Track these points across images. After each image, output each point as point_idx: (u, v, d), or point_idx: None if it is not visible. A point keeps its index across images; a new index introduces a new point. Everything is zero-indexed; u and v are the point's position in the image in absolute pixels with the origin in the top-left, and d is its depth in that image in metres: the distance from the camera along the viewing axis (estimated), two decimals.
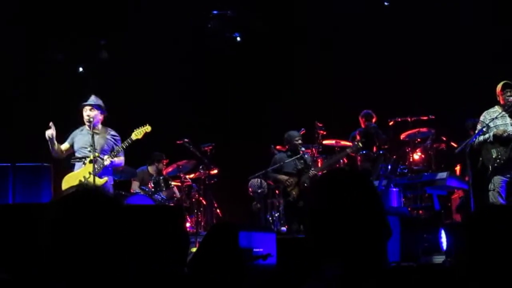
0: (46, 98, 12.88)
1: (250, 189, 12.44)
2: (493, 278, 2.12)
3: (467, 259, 2.17)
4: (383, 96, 13.33)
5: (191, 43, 14.08)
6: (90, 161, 9.21)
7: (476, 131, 9.76)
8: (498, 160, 9.53)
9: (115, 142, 9.63)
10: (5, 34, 12.83)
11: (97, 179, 9.24)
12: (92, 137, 9.22)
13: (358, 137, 12.31)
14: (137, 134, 9.58)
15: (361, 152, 12.10)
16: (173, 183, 12.24)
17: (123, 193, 11.24)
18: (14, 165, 10.15)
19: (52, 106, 12.20)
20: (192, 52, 14.14)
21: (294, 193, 11.28)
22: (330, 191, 2.43)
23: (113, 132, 9.72)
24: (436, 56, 13.30)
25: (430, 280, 6.18)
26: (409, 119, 12.53)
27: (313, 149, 12.48)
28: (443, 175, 10.89)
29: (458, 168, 11.91)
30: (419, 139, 12.54)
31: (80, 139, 9.56)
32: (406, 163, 12.24)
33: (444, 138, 12.58)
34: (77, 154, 9.52)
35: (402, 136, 12.46)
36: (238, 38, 14.85)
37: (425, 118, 12.53)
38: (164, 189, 11.68)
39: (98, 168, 9.24)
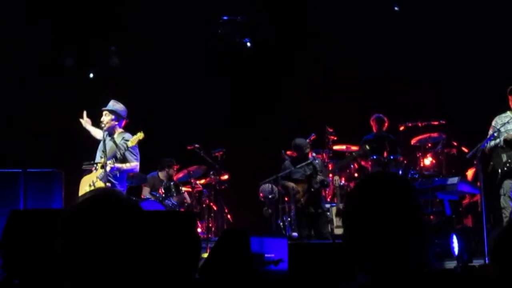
0: (57, 104, 12.90)
1: (261, 194, 12.43)
2: None
3: None
4: (394, 101, 13.31)
5: (201, 48, 14.08)
6: (102, 167, 9.23)
7: (488, 136, 9.74)
8: (508, 165, 9.51)
9: (129, 148, 9.61)
10: (18, 37, 12.89)
11: (101, 184, 9.23)
12: (103, 142, 9.25)
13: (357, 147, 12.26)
14: (132, 142, 9.51)
15: (371, 157, 12.07)
16: (183, 188, 12.24)
17: (134, 198, 11.25)
18: (25, 171, 10.18)
19: (63, 111, 12.24)
20: (202, 58, 14.14)
21: (302, 199, 11.27)
22: (369, 195, 2.39)
23: (127, 137, 9.62)
24: (447, 61, 13.26)
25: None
26: (419, 124, 12.51)
27: (324, 154, 12.48)
28: (454, 180, 10.84)
29: (470, 172, 11.86)
30: (430, 144, 12.51)
31: (100, 142, 9.57)
32: (417, 168, 12.21)
33: (455, 143, 12.56)
34: (97, 159, 9.51)
35: (413, 141, 12.44)
36: (248, 44, 14.85)
37: (435, 123, 12.51)
38: (174, 194, 11.67)
39: (103, 173, 9.24)
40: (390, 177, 2.50)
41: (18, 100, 13.09)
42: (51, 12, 13.04)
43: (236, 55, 14.59)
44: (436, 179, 11.40)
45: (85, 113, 9.65)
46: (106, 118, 9.54)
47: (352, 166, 12.60)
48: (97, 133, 9.68)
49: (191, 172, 12.44)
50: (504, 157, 9.59)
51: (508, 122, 9.62)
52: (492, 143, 9.66)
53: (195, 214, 10.45)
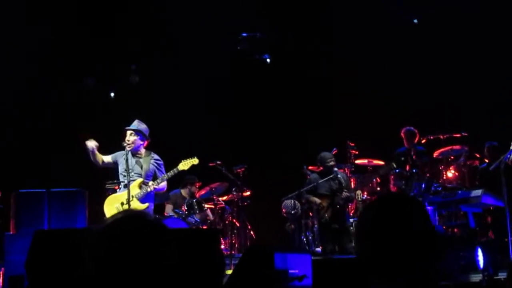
0: (79, 123, 12.99)
1: (283, 210, 12.42)
2: None
3: None
4: (416, 114, 13.27)
5: (222, 63, 14.13)
6: (125, 186, 9.27)
7: (511, 148, 9.70)
8: None
9: (158, 167, 9.71)
10: (35, 57, 13.01)
11: (138, 204, 9.30)
12: (127, 161, 9.29)
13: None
14: (184, 165, 9.71)
15: (394, 171, 12.02)
16: (206, 205, 12.26)
17: (157, 216, 11.29)
18: (49, 191, 10.22)
19: (85, 131, 12.32)
20: (223, 75, 14.20)
21: (327, 215, 11.24)
22: (382, 215, 2.45)
23: (156, 157, 9.79)
24: (468, 73, 13.22)
25: None
26: (441, 137, 12.48)
27: (346, 168, 12.45)
28: (477, 192, 10.78)
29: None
30: (452, 157, 12.47)
31: (121, 161, 9.62)
32: (440, 181, 12.15)
33: (478, 155, 12.51)
34: (121, 178, 9.56)
35: (435, 154, 12.40)
36: (268, 60, 14.88)
37: (457, 135, 12.47)
38: (197, 211, 11.68)
39: (141, 193, 9.32)
40: (400, 200, 2.55)
41: (41, 119, 13.19)
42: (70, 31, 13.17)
43: (256, 70, 14.62)
44: (459, 191, 11.34)
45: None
46: (131, 138, 9.61)
47: (374, 180, 12.55)
48: (100, 158, 9.67)
49: (213, 189, 12.45)
50: None
51: None
52: None
53: (218, 231, 10.46)
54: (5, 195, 10.74)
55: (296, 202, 12.13)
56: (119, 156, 9.68)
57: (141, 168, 9.49)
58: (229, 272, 8.26)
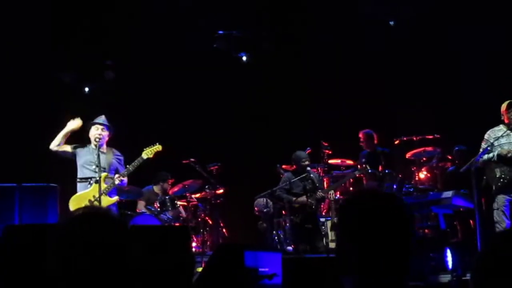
0: (51, 118, 12.93)
1: (256, 208, 12.44)
2: None
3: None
4: (389, 115, 13.35)
5: (196, 62, 14.12)
6: (96, 181, 9.25)
7: (481, 150, 9.79)
8: (502, 180, 9.57)
9: (119, 162, 9.73)
10: (12, 52, 12.93)
11: (108, 198, 9.30)
12: (98, 156, 9.28)
13: (361, 166, 12.18)
14: (148, 153, 9.69)
15: (367, 171, 12.07)
16: (179, 202, 12.23)
17: (129, 212, 11.27)
18: (20, 186, 10.17)
19: (57, 126, 12.28)
20: (198, 72, 14.20)
21: (301, 214, 11.26)
22: (360, 212, 2.46)
23: (117, 152, 9.84)
24: (441, 75, 13.31)
25: None
26: (414, 138, 12.54)
27: (319, 168, 12.50)
28: (448, 194, 10.87)
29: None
30: (424, 158, 12.55)
31: (84, 156, 9.62)
32: (412, 182, 12.23)
33: (450, 157, 12.61)
34: (80, 172, 9.58)
35: (408, 155, 12.47)
36: (244, 58, 14.89)
37: (430, 137, 12.54)
38: (170, 209, 11.65)
39: (109, 187, 9.32)
40: (383, 196, 2.57)
41: (12, 114, 13.10)
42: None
43: (232, 69, 14.62)
44: (431, 193, 11.43)
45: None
46: (103, 133, 9.62)
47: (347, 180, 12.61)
48: (63, 140, 9.69)
49: (187, 186, 12.44)
50: (498, 172, 9.65)
51: (501, 136, 9.69)
52: (486, 157, 9.72)
53: (189, 228, 10.45)
54: None
55: (269, 200, 12.16)
56: (80, 149, 9.68)
57: (106, 163, 9.48)
58: (200, 269, 8.26)
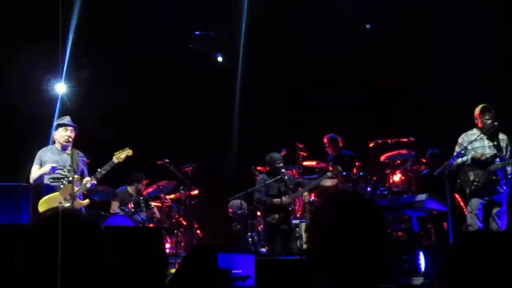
0: (28, 116, 12.84)
1: (230, 210, 12.43)
2: None
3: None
4: (364, 117, 13.39)
5: (172, 63, 14.08)
6: (69, 182, 9.21)
7: (455, 153, 9.84)
8: (475, 183, 9.63)
9: (84, 164, 9.75)
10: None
11: (78, 201, 9.27)
12: (71, 157, 9.24)
13: (331, 167, 12.17)
14: (118, 157, 9.71)
15: (341, 174, 12.08)
16: (153, 203, 12.18)
17: (103, 213, 11.20)
18: None
19: (32, 123, 12.20)
20: (173, 72, 14.15)
21: (276, 215, 11.22)
22: (338, 213, 2.45)
23: (81, 154, 9.85)
24: (417, 77, 13.37)
25: None
26: (389, 141, 12.58)
27: (294, 170, 12.50)
28: (422, 197, 10.92)
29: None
30: (399, 161, 12.60)
31: (50, 158, 9.59)
32: (386, 185, 12.28)
33: (424, 160, 12.66)
34: (47, 174, 9.53)
35: (382, 158, 12.50)
36: (220, 59, 14.86)
37: (405, 140, 12.58)
38: (144, 209, 11.61)
39: (80, 190, 9.27)
40: (358, 197, 2.56)
41: None
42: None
43: (206, 70, 14.59)
44: (405, 196, 11.49)
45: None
46: (72, 134, 9.64)
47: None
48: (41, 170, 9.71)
49: (161, 187, 12.39)
50: (472, 176, 9.70)
51: (475, 140, 9.75)
52: (460, 160, 9.78)
53: (162, 229, 10.42)
54: None
55: (243, 202, 12.15)
56: (45, 153, 9.69)
57: (74, 164, 9.44)
58: (173, 271, 8.23)
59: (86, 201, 9.43)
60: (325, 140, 12.79)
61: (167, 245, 11.96)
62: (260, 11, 13.60)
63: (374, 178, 12.33)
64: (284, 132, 13.27)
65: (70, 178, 9.23)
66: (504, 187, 9.69)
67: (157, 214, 12.32)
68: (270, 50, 14.34)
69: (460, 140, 9.96)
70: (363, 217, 2.43)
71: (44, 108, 12.61)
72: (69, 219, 2.31)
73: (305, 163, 12.90)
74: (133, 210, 11.50)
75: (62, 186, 9.38)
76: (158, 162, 12.22)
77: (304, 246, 11.27)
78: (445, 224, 11.18)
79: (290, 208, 11.25)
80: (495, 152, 9.72)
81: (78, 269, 2.23)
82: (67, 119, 9.76)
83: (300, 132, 13.17)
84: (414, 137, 12.56)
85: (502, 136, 9.83)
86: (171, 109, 14.26)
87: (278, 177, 11.25)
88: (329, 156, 12.72)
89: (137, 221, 11.27)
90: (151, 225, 11.67)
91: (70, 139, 9.56)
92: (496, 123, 9.71)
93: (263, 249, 11.66)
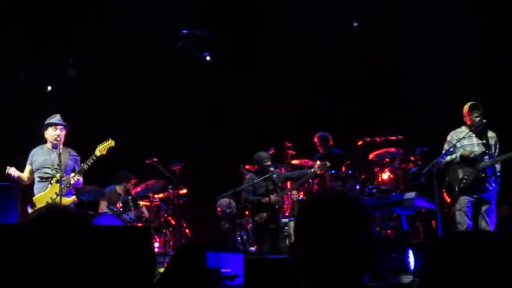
0: (12, 117, 12.79)
1: (218, 208, 12.40)
2: None
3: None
4: (352, 116, 13.39)
5: (159, 61, 14.05)
6: (57, 181, 9.18)
7: (443, 151, 9.86)
8: (464, 181, 9.65)
9: (76, 162, 9.70)
10: None
11: (65, 198, 9.23)
12: (59, 156, 9.22)
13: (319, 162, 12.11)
14: (101, 150, 9.68)
15: (330, 172, 12.08)
16: (141, 203, 12.14)
17: (91, 213, 11.15)
18: None
19: (19, 123, 12.16)
20: (161, 71, 14.12)
21: (265, 214, 11.20)
22: (319, 215, 2.44)
23: (73, 152, 9.86)
24: (405, 76, 13.38)
25: None
26: (377, 139, 12.58)
27: (282, 168, 12.48)
28: (411, 195, 10.93)
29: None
30: (387, 159, 12.61)
31: (40, 157, 9.60)
32: (375, 183, 12.28)
33: (413, 158, 12.68)
34: (37, 173, 9.54)
35: (371, 156, 12.51)
36: (208, 58, 14.84)
37: (393, 138, 12.59)
38: (132, 209, 11.57)
39: (64, 187, 9.24)
40: (343, 197, 2.54)
41: None
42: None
43: (194, 69, 14.56)
44: (393, 194, 11.49)
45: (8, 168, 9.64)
46: (62, 133, 9.61)
47: (310, 180, 12.59)
48: (25, 176, 9.76)
49: (149, 186, 12.36)
50: (460, 174, 9.72)
51: (464, 138, 9.77)
52: (448, 158, 9.80)
53: (150, 228, 10.39)
54: None
55: (232, 201, 12.14)
56: (35, 153, 9.70)
57: (61, 163, 9.41)
58: (162, 270, 8.21)
59: (73, 197, 9.41)
60: (315, 139, 12.79)
61: (156, 244, 11.92)
62: (248, 8, 13.62)
63: (363, 176, 12.34)
64: (272, 131, 13.25)
65: (58, 177, 9.19)
66: (493, 185, 9.72)
67: (146, 213, 12.27)
68: (257, 48, 14.33)
69: (448, 138, 9.97)
70: (347, 217, 2.42)
71: (32, 106, 12.60)
72: (58, 216, 2.30)
73: (293, 161, 12.89)
74: (121, 209, 11.46)
75: (50, 185, 9.36)
76: (146, 161, 12.20)
77: None
78: (433, 222, 11.20)
79: (277, 206, 11.22)
80: (484, 149, 9.75)
81: (69, 267, 2.21)
82: (57, 118, 9.73)
83: (288, 131, 13.16)
84: (402, 135, 12.56)
85: (490, 134, 9.86)
86: (159, 107, 14.23)
87: (267, 175, 11.23)
88: (317, 154, 12.71)
89: (125, 220, 11.23)
90: (139, 224, 11.63)
91: (59, 138, 9.52)
92: (484, 121, 9.74)
93: (252, 248, 11.65)
